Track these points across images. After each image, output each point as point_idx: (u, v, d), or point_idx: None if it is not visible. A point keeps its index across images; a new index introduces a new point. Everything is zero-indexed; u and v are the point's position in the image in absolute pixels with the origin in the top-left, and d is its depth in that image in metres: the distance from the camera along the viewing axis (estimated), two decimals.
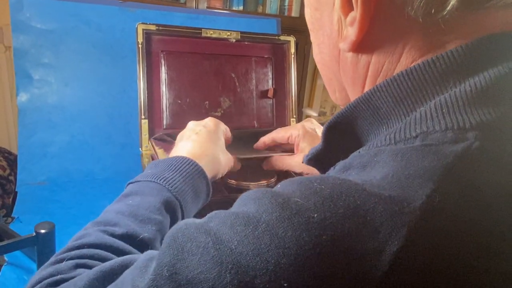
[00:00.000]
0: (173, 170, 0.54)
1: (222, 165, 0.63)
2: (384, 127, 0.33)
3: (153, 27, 0.91)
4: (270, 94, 1.02)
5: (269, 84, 1.04)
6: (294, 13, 1.88)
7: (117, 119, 1.17)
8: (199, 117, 0.96)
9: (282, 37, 1.03)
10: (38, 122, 1.10)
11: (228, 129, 0.72)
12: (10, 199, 1.34)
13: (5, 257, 0.69)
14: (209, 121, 0.68)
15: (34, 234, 0.64)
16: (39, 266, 0.68)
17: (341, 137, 0.37)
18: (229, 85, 1.00)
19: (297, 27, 1.84)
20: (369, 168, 0.28)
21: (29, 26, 1.09)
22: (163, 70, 0.94)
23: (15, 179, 1.11)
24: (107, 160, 1.14)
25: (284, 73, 1.04)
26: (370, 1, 0.31)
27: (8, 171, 1.44)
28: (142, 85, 0.90)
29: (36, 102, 1.10)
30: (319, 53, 0.40)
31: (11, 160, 1.46)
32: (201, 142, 0.62)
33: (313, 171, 0.67)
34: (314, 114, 2.22)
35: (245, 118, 1.01)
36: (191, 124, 0.69)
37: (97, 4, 1.16)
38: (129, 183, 0.56)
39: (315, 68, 2.13)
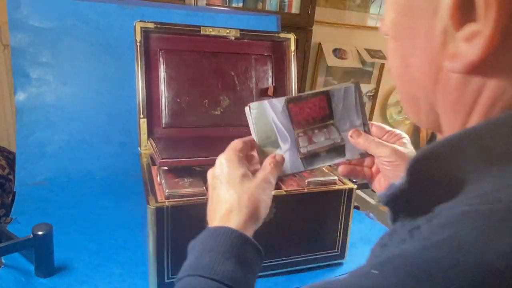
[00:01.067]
0: (207, 251, 0.45)
1: (258, 197, 0.51)
2: (495, 168, 0.27)
3: (151, 25, 0.90)
4: (270, 92, 1.01)
5: (269, 82, 1.02)
6: (294, 9, 1.86)
7: (116, 118, 1.16)
8: (199, 116, 0.96)
9: (282, 35, 1.02)
10: (37, 121, 1.09)
11: (246, 143, 0.57)
12: (10, 199, 1.33)
13: (2, 259, 0.68)
14: (219, 165, 0.54)
15: (32, 236, 0.64)
16: (36, 268, 0.68)
17: (431, 174, 0.31)
18: (228, 83, 0.98)
19: (297, 24, 1.83)
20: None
21: (27, 24, 1.08)
22: (161, 69, 0.93)
23: (15, 178, 1.11)
24: (106, 160, 1.14)
25: (284, 71, 1.03)
26: (504, 11, 0.24)
27: (7, 170, 1.43)
28: (140, 83, 0.89)
29: (34, 101, 1.09)
30: (404, 66, 0.33)
31: (11, 159, 1.45)
32: (221, 196, 0.51)
33: (400, 165, 0.53)
34: None
35: (245, 117, 0.99)
36: (208, 177, 0.56)
37: (95, 2, 1.15)
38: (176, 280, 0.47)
39: (316, 65, 2.12)
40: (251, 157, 0.57)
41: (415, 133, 2.55)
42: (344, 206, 0.79)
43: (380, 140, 0.56)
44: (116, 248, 0.82)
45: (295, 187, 0.76)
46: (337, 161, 0.56)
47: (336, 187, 0.77)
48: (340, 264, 0.84)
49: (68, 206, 0.96)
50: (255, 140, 0.53)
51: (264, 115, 0.53)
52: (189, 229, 0.68)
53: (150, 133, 0.90)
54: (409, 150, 0.55)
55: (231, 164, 0.53)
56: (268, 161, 0.54)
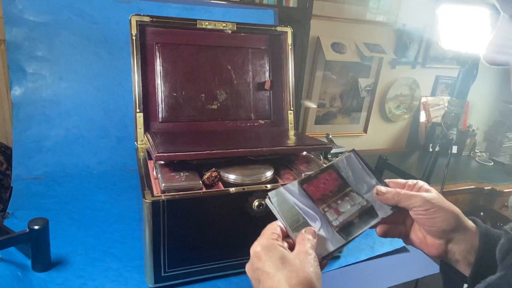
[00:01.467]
0: None
1: (305, 271, 0.48)
2: None
3: (147, 19, 0.90)
4: (267, 86, 1.01)
5: (266, 76, 1.02)
6: (292, 3, 1.85)
7: (113, 113, 1.16)
8: (195, 110, 0.96)
9: (279, 28, 1.02)
10: (33, 116, 1.09)
11: (277, 224, 0.53)
12: (7, 194, 1.33)
13: None
14: (255, 256, 0.50)
15: (28, 230, 0.64)
16: (33, 262, 0.68)
17: None
18: (225, 77, 0.98)
19: (295, 17, 1.81)
20: None
21: (22, 19, 1.07)
22: (158, 63, 0.92)
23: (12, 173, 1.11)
24: (103, 154, 1.14)
25: (281, 64, 1.02)
26: None
27: (5, 166, 1.43)
28: (136, 78, 0.89)
29: (31, 96, 1.09)
30: None
31: (8, 154, 1.45)
32: (270, 287, 0.48)
33: (437, 211, 0.52)
34: (313, 105, 2.20)
35: (242, 111, 0.99)
36: (248, 272, 0.53)
37: None
38: None
39: (314, 59, 2.11)
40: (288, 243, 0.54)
41: (413, 128, 2.54)
42: None
43: (406, 191, 0.54)
44: (113, 242, 0.82)
45: (292, 181, 0.75)
46: (373, 223, 0.55)
47: None
48: (337, 257, 0.84)
49: (65, 200, 0.96)
50: (286, 227, 0.52)
51: (286, 201, 0.53)
52: (185, 223, 0.68)
53: (146, 128, 0.89)
54: (436, 193, 0.54)
55: (267, 250, 0.50)
56: (300, 237, 0.52)
